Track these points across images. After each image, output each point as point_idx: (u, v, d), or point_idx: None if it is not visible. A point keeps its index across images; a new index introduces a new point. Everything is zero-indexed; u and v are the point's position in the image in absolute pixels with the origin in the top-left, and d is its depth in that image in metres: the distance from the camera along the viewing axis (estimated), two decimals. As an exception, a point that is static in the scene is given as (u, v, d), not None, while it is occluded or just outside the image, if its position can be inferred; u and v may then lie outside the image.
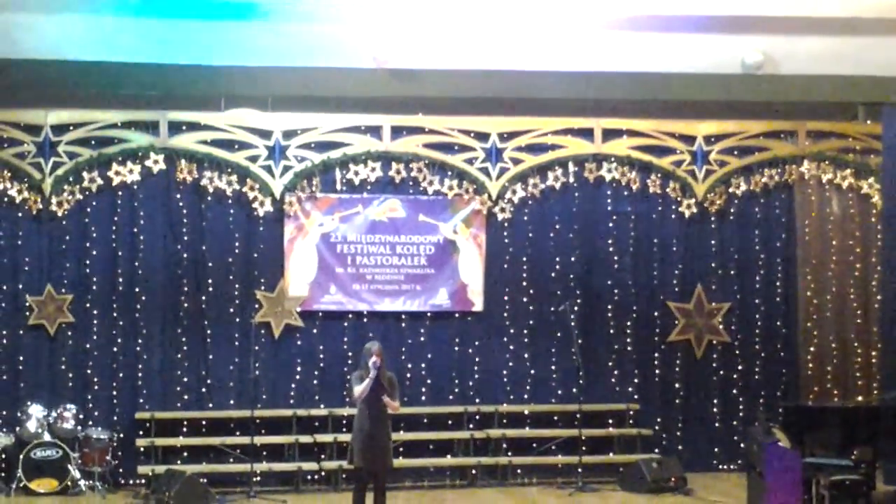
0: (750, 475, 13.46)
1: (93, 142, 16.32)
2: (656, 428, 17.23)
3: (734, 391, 17.52)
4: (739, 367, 17.56)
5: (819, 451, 13.91)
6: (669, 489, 15.57)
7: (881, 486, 14.91)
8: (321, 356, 16.75)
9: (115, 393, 16.24)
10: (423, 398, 16.85)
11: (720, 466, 17.30)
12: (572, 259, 17.31)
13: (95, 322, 16.25)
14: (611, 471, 16.46)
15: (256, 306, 16.53)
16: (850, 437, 14.07)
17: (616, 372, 17.30)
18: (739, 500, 13.82)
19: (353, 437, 12.51)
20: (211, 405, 16.41)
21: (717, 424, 17.43)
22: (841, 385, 17.59)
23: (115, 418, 16.16)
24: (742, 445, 16.41)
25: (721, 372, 17.52)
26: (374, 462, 12.30)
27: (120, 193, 16.37)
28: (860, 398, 17.00)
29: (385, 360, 12.52)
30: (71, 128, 16.26)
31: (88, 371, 16.18)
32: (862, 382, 17.58)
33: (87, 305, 16.24)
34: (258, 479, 15.73)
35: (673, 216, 17.54)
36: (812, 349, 17.63)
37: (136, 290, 16.32)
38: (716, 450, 17.39)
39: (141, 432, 16.05)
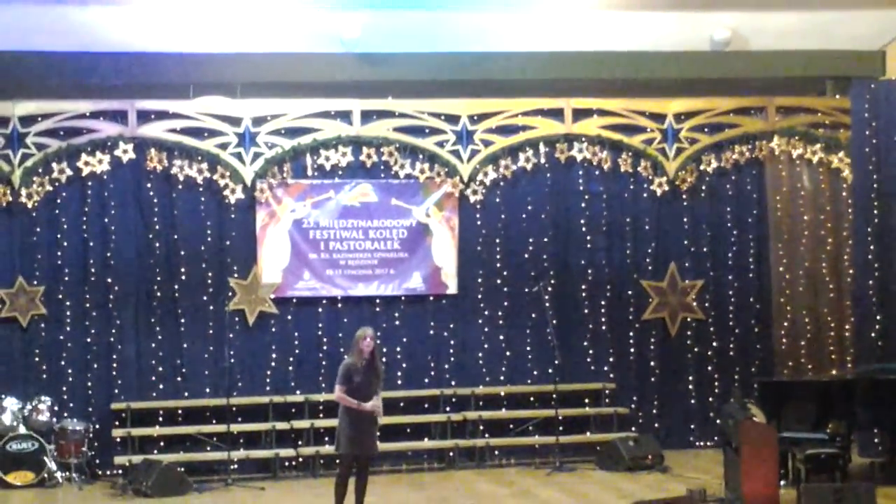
0: (726, 451, 13.50)
1: (61, 132, 16.21)
2: (632, 406, 17.27)
3: (709, 368, 17.59)
4: (714, 344, 17.62)
5: (794, 425, 13.98)
6: (647, 467, 15.61)
7: (857, 459, 15.00)
8: (296, 343, 16.72)
9: (89, 384, 16.17)
10: (400, 382, 16.84)
11: (696, 443, 17.38)
12: (545, 240, 17.32)
13: (68, 313, 16.18)
14: (588, 450, 16.50)
15: (230, 294, 16.48)
16: (825, 411, 14.15)
17: (591, 351, 17.33)
18: (716, 476, 13.87)
19: (340, 424, 12.46)
20: (186, 394, 16.36)
21: (692, 401, 17.50)
22: (815, 359, 17.67)
23: (91, 409, 16.10)
24: (718, 422, 16.45)
25: (696, 349, 17.58)
26: (361, 449, 12.28)
27: (90, 184, 16.28)
28: (834, 372, 17.08)
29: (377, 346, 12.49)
30: (39, 119, 16.15)
31: (62, 363, 16.11)
32: (836, 356, 17.67)
33: (60, 297, 16.17)
34: (235, 466, 15.71)
35: (645, 195, 17.57)
36: (785, 324, 17.71)
37: (109, 280, 16.25)
38: (692, 427, 17.46)
39: (117, 423, 15.99)
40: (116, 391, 16.19)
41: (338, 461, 12.82)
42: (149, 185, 16.44)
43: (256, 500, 14.18)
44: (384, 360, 16.61)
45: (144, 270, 16.38)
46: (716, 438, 16.70)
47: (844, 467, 13.66)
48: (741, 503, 12.04)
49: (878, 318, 16.11)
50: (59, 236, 16.21)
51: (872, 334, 16.12)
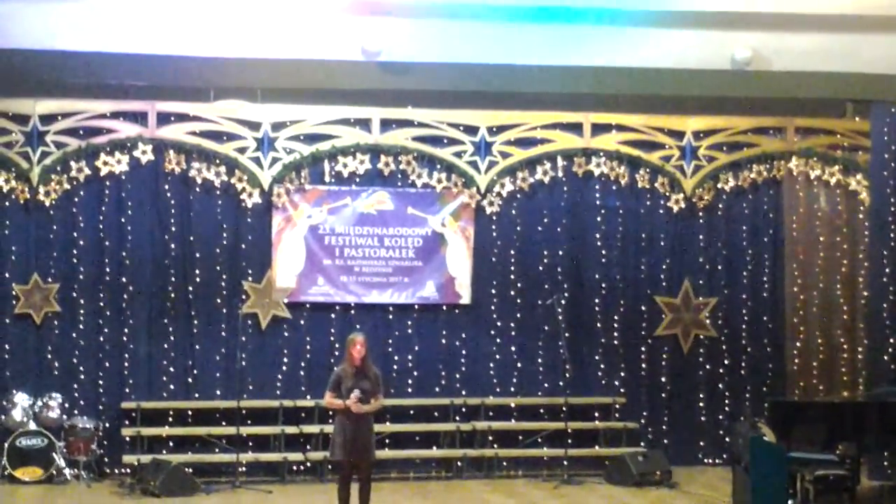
0: (735, 469, 13.49)
1: (81, 132, 16.29)
2: (642, 421, 17.26)
3: (720, 386, 17.56)
4: (726, 362, 17.60)
5: (804, 446, 13.93)
6: (655, 482, 15.60)
7: (865, 482, 14.96)
8: (308, 348, 16.75)
9: (100, 382, 16.23)
10: (410, 390, 16.86)
11: (705, 460, 17.34)
12: (560, 253, 17.33)
13: (82, 311, 16.23)
14: (596, 464, 16.49)
15: (244, 297, 16.53)
16: (835, 433, 14.10)
17: (602, 365, 17.33)
18: (724, 493, 13.85)
19: (333, 430, 12.55)
20: (197, 395, 16.40)
21: (702, 418, 17.47)
22: (826, 380, 17.64)
23: (101, 408, 16.15)
24: (727, 440, 16.45)
25: (707, 366, 17.56)
26: (354, 456, 12.33)
27: (108, 184, 16.34)
28: (846, 394, 17.04)
29: (370, 351, 12.58)
30: (59, 118, 16.23)
31: (74, 360, 16.17)
32: (847, 378, 17.63)
33: (74, 295, 16.23)
34: (244, 469, 15.75)
35: (661, 211, 17.57)
36: (798, 345, 17.68)
37: (123, 279, 16.31)
38: (701, 444, 17.42)
39: (127, 422, 16.04)
40: (127, 390, 16.24)
41: (336, 469, 12.83)
42: (166, 187, 16.50)
43: (264, 503, 14.22)
44: (395, 367, 16.71)
45: (159, 271, 16.43)
46: (725, 456, 16.67)
47: (853, 490, 13.60)
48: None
49: (891, 341, 16.05)
50: (75, 235, 16.28)
51: (885, 357, 16.07)
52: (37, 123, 16.15)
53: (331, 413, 14.67)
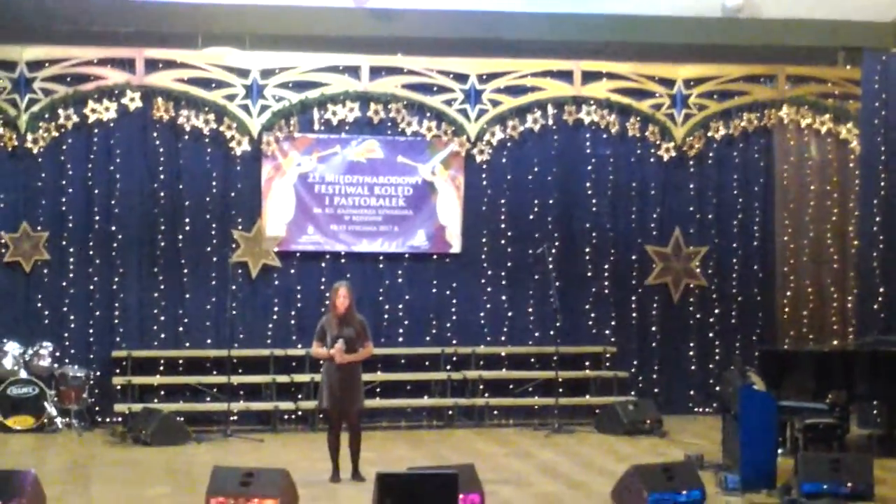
0: (725, 418, 13.51)
1: (68, 79, 16.16)
2: (632, 371, 17.30)
3: (710, 335, 17.60)
4: (716, 311, 17.63)
5: (794, 394, 14.00)
6: (645, 431, 15.64)
7: (855, 430, 15.02)
8: (298, 296, 16.72)
9: (91, 331, 16.20)
10: (401, 339, 16.86)
11: (695, 409, 17.40)
12: (550, 202, 17.29)
13: (71, 260, 16.17)
14: (587, 413, 16.53)
15: (233, 246, 16.48)
16: (825, 382, 14.16)
17: (593, 315, 17.34)
18: (714, 442, 13.88)
19: (321, 379, 12.56)
20: (188, 344, 16.38)
21: (692, 367, 17.52)
22: (816, 329, 17.68)
23: (92, 357, 16.13)
24: (718, 388, 16.49)
25: (698, 315, 17.59)
26: (343, 404, 12.34)
27: (96, 131, 16.24)
28: (835, 343, 17.09)
29: (354, 300, 12.57)
30: (46, 64, 16.11)
31: (65, 309, 16.13)
32: (837, 327, 17.68)
33: (63, 243, 16.16)
34: (235, 418, 15.76)
35: (651, 160, 17.53)
36: (788, 293, 17.71)
37: (113, 228, 16.24)
38: (691, 393, 17.48)
39: (118, 371, 16.03)
40: (118, 339, 16.21)
41: (324, 418, 12.85)
42: (155, 135, 16.40)
43: (255, 451, 14.21)
44: (385, 316, 16.69)
45: (148, 219, 16.37)
46: (715, 405, 16.73)
47: (842, 438, 13.68)
48: (739, 470, 12.05)
49: (881, 289, 16.09)
50: (63, 182, 16.19)
51: (875, 306, 16.11)
52: (24, 70, 16.03)
53: (320, 363, 14.69)
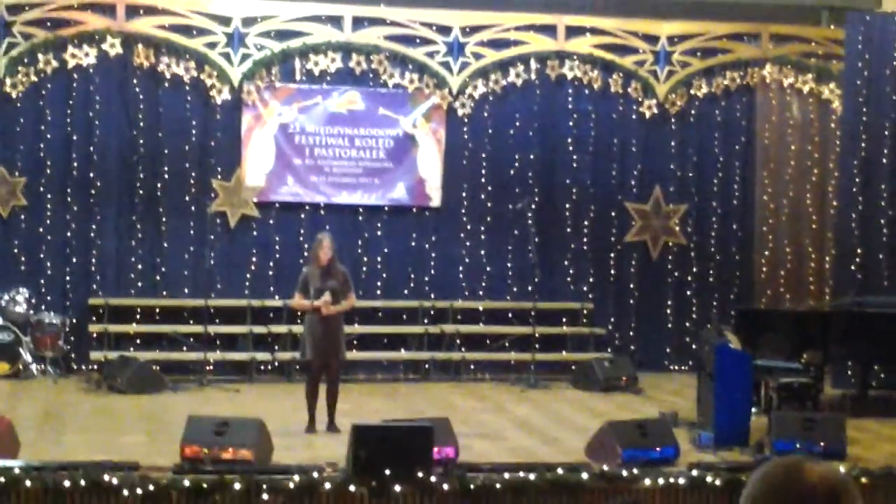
0: (700, 376, 13.55)
1: (48, 23, 16.02)
2: (609, 327, 17.33)
3: (688, 293, 17.63)
4: (694, 269, 17.66)
5: (769, 354, 14.06)
6: (620, 388, 15.67)
7: (829, 390, 15.09)
8: (277, 247, 16.68)
9: (68, 278, 16.13)
10: (379, 292, 16.84)
11: (671, 367, 17.45)
12: (531, 157, 17.24)
13: (49, 206, 16.08)
14: (563, 369, 16.57)
15: (212, 195, 16.41)
16: (800, 342, 14.22)
17: (571, 271, 17.35)
18: (689, 399, 13.93)
19: (304, 330, 12.55)
20: (165, 293, 16.35)
21: (669, 325, 17.56)
22: (793, 289, 17.74)
23: (68, 304, 16.08)
24: (694, 346, 16.53)
25: (676, 273, 17.61)
26: (326, 356, 12.35)
27: (76, 77, 16.11)
28: (812, 303, 17.15)
29: (336, 253, 12.56)
30: (26, 8, 15.95)
31: (41, 255, 16.05)
32: (814, 287, 17.74)
33: (41, 189, 16.06)
34: (211, 367, 15.73)
35: (633, 116, 17.50)
36: (766, 253, 17.75)
37: (91, 175, 16.14)
38: (667, 350, 17.53)
39: (94, 318, 15.99)
40: (94, 287, 16.15)
41: (306, 369, 12.86)
42: (135, 82, 16.28)
43: (231, 401, 14.21)
44: (364, 268, 16.66)
45: (127, 167, 16.27)
46: (690, 363, 16.77)
47: (816, 398, 13.75)
48: (712, 428, 12.10)
49: (858, 251, 16.13)
50: (42, 128, 16.07)
51: (852, 267, 16.16)
52: (3, 14, 15.87)
53: (299, 314, 14.69)
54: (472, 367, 16.70)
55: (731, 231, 17.76)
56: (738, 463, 11.15)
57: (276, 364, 16.09)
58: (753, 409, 12.85)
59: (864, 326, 14.18)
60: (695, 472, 10.64)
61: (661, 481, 10.47)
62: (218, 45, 16.36)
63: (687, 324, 17.53)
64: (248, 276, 16.60)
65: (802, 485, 2.54)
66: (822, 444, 11.29)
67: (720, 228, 17.73)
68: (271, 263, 16.66)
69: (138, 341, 16.00)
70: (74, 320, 15.95)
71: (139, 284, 16.30)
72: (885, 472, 10.61)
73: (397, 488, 10.01)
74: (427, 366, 16.57)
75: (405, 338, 16.72)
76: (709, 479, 10.53)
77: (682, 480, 10.52)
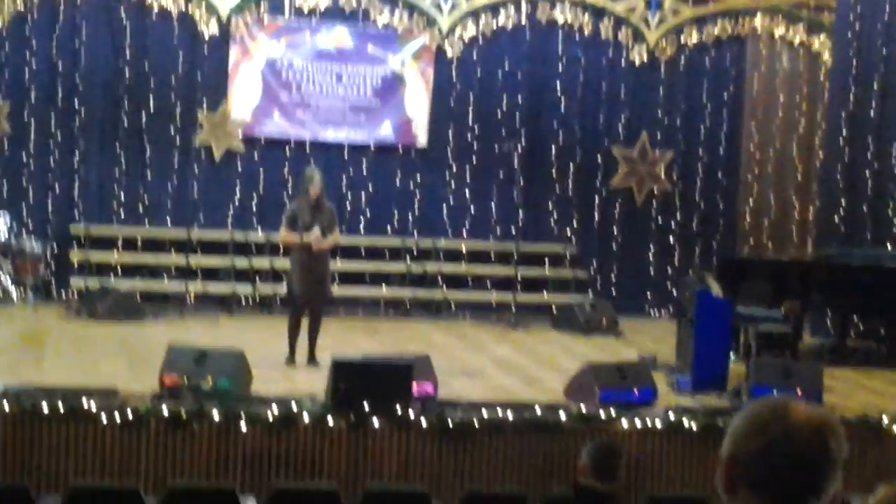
0: (681, 322, 13.62)
1: (35, -50, 15.86)
2: (592, 271, 17.36)
3: (671, 239, 17.65)
4: (678, 216, 17.67)
5: (750, 302, 14.09)
6: (601, 331, 15.69)
7: (807, 339, 15.16)
8: (261, 182, 16.62)
9: (50, 205, 16.05)
10: (362, 229, 16.81)
11: (651, 312, 17.49)
12: (519, 100, 17.18)
13: (33, 133, 15.96)
14: (544, 311, 16.59)
15: (198, 128, 16.31)
16: (781, 291, 14.26)
17: (556, 214, 17.35)
18: (668, 345, 13.98)
19: (291, 266, 12.52)
20: (147, 223, 16.29)
21: (651, 271, 17.58)
22: (776, 239, 17.77)
23: (50, 231, 16.01)
24: (675, 293, 16.59)
25: (659, 220, 17.62)
26: (312, 292, 12.33)
27: (62, 6, 15.94)
28: (794, 253, 17.19)
29: (325, 190, 12.54)
30: (13, -66, 15.79)
31: (24, 181, 15.96)
32: (797, 238, 17.77)
33: (25, 116, 15.94)
34: (192, 299, 15.70)
35: (623, 63, 17.44)
36: (751, 202, 17.76)
37: (76, 103, 16.02)
38: (649, 296, 17.56)
39: (75, 246, 15.93)
40: (76, 215, 16.08)
41: (290, 303, 12.85)
42: (122, 12, 16.13)
43: (211, 333, 14.17)
44: (348, 205, 16.63)
45: (112, 97, 16.16)
46: (671, 308, 16.83)
47: (795, 346, 13.82)
48: (691, 373, 12.16)
49: (842, 202, 16.15)
50: (28, 56, 15.93)
51: (836, 218, 16.19)
52: (-11, -61, 15.70)
53: (281, 249, 14.70)
54: (453, 306, 16.71)
55: (717, 179, 17.76)
56: (716, 407, 11.21)
57: (258, 298, 16.08)
58: (732, 356, 12.91)
59: (846, 277, 14.24)
60: (672, 416, 10.70)
61: (638, 423, 10.53)
62: (207, -24, 16.22)
63: (669, 270, 17.56)
64: (231, 209, 16.55)
65: (788, 424, 2.52)
66: (799, 391, 11.32)
67: (706, 176, 17.73)
68: (255, 197, 16.60)
69: (119, 270, 15.96)
70: (56, 247, 15.91)
71: (121, 214, 16.23)
72: (861, 421, 10.69)
73: (376, 422, 10.05)
74: (409, 304, 16.58)
75: (387, 275, 16.72)
76: (686, 422, 10.60)
77: (659, 423, 10.59)
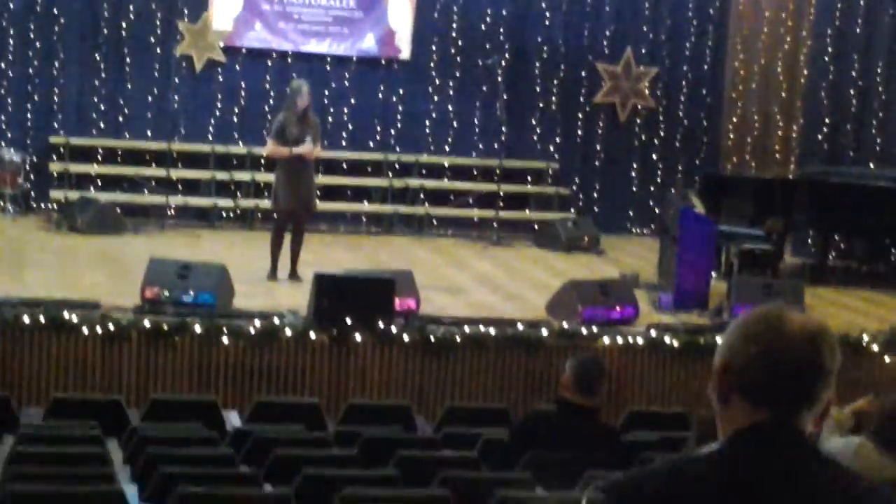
0: (663, 240, 13.63)
1: None
2: (574, 188, 17.30)
3: (654, 156, 17.58)
4: (661, 133, 17.58)
5: (732, 220, 14.11)
6: (582, 249, 15.66)
7: (788, 258, 15.19)
8: (243, 94, 16.45)
9: (29, 115, 15.87)
10: (344, 143, 16.69)
11: (633, 230, 17.46)
12: (504, 13, 17.00)
13: (11, 42, 15.72)
14: (526, 228, 16.56)
15: (178, 38, 16.12)
16: (764, 209, 14.27)
17: (539, 130, 17.24)
18: (650, 262, 14.00)
19: (276, 179, 12.43)
20: (127, 135, 16.14)
21: (633, 188, 17.52)
22: (759, 157, 17.73)
23: (29, 141, 15.85)
24: (657, 210, 16.57)
25: (643, 136, 17.54)
26: (298, 205, 12.26)
27: (40, -90, 15.68)
28: (777, 171, 17.16)
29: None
30: None
31: (2, 91, 15.76)
32: (781, 156, 17.72)
33: (3, 24, 15.70)
34: (172, 212, 15.60)
35: (608, -24, 17.27)
36: (735, 119, 17.69)
37: (55, 11, 15.77)
38: (631, 213, 17.51)
39: (55, 157, 15.79)
40: (55, 125, 15.92)
41: (275, 216, 12.80)
42: (102, -82, 15.87)
43: (192, 246, 14.10)
44: (330, 119, 16.50)
45: (92, 6, 15.89)
46: (653, 226, 16.82)
47: (776, 265, 13.85)
48: (672, 291, 12.18)
49: (826, 120, 16.12)
50: (4, -37, 15.68)
51: (819, 136, 16.16)
52: None
53: (262, 162, 14.62)
54: (434, 222, 16.65)
55: (701, 96, 17.66)
56: (696, 325, 11.27)
57: (239, 211, 16.00)
58: (713, 274, 12.93)
59: (828, 196, 14.23)
60: (653, 333, 10.76)
61: (619, 340, 10.58)
62: None
63: (651, 187, 17.51)
64: (212, 121, 16.39)
65: (783, 332, 2.52)
66: (780, 309, 11.36)
67: (690, 93, 17.62)
68: (236, 110, 16.44)
69: (99, 182, 15.83)
70: (35, 158, 15.76)
71: (101, 125, 16.06)
72: (842, 339, 10.72)
73: (358, 337, 10.06)
74: (390, 219, 16.53)
75: (369, 191, 16.64)
76: (667, 339, 10.65)
77: (640, 340, 10.63)
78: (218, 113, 16.39)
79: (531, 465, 6.38)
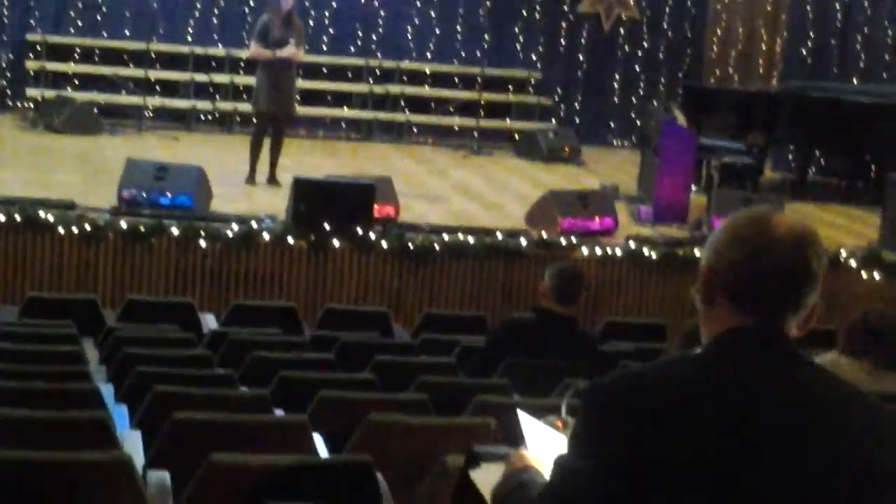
0: (643, 151, 13.57)
1: None
2: (556, 98, 17.19)
3: (637, 68, 17.46)
4: (645, 45, 17.45)
5: (714, 133, 14.05)
6: (563, 159, 15.60)
7: (769, 173, 15.17)
8: (223, -6, 16.25)
9: (5, 12, 15.62)
10: (325, 48, 16.50)
11: (614, 141, 17.40)
12: (487, -83, 16.80)
13: (-13, -64, 15.50)
14: (507, 137, 16.47)
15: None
16: (746, 122, 14.21)
17: (521, 38, 17.08)
18: (630, 175, 13.96)
19: (258, 81, 12.27)
20: (105, 34, 15.91)
21: (616, 99, 17.42)
22: (743, 70, 17.63)
23: (5, 39, 15.62)
24: (639, 122, 16.49)
25: (626, 48, 17.41)
26: (278, 107, 12.14)
27: None
28: (760, 84, 17.08)
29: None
30: None
31: (-23, -14, 15.55)
32: (764, 70, 17.63)
33: (-21, -81, 15.45)
34: (150, 113, 15.44)
35: None
36: (719, 32, 17.56)
37: None
38: (612, 125, 17.44)
39: (31, 55, 15.57)
40: (32, 22, 15.67)
41: (254, 119, 12.68)
42: None
43: (169, 148, 13.97)
44: (310, 22, 16.29)
45: None
46: (634, 139, 16.76)
47: (756, 179, 13.83)
48: (652, 203, 12.16)
49: (811, 34, 16.01)
50: None
51: (803, 51, 16.07)
52: None
53: (242, 64, 14.41)
54: (414, 129, 16.54)
55: (685, 7, 17.51)
56: (675, 238, 11.25)
57: (217, 114, 15.84)
58: (693, 187, 12.90)
59: (809, 111, 14.18)
60: (632, 245, 10.73)
61: (598, 251, 10.55)
62: None
63: (633, 99, 17.41)
64: (191, 21, 16.17)
65: (770, 234, 2.49)
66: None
67: (674, 4, 17.46)
68: (216, 11, 16.22)
69: (76, 81, 15.64)
70: (11, 56, 15.54)
71: (79, 23, 15.83)
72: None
73: (336, 243, 10.00)
74: (370, 126, 16.40)
75: (349, 96, 16.50)
76: (645, 251, 10.63)
77: (618, 252, 10.61)
78: (197, 14, 16.16)
79: (508, 371, 6.37)
